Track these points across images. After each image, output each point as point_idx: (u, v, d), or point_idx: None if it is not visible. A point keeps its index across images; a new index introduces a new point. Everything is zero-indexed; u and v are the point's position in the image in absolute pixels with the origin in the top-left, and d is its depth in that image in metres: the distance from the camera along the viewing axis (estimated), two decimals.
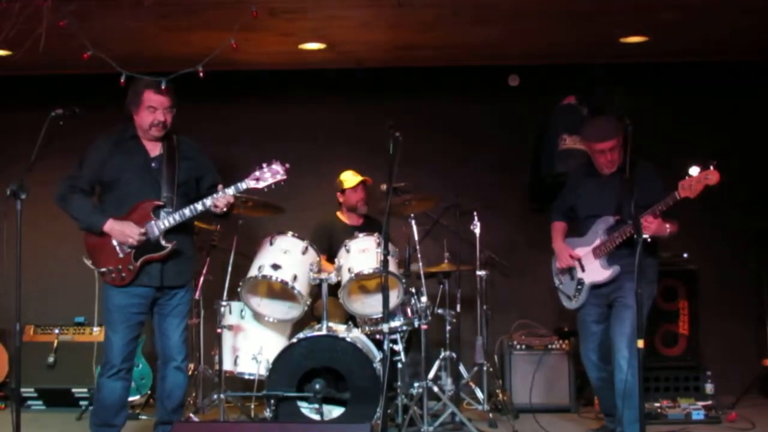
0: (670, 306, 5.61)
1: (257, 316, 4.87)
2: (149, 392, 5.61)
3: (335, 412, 4.59)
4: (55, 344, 5.77)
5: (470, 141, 6.36)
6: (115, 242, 3.99)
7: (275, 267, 4.64)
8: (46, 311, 5.98)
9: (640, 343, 3.63)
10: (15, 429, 3.58)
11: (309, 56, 5.98)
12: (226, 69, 5.94)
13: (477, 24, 5.36)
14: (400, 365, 4.78)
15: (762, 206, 6.12)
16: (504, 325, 5.94)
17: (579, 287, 4.54)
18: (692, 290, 5.64)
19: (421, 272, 4.99)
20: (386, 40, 5.71)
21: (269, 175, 4.09)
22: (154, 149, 4.13)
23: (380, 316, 4.43)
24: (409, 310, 4.85)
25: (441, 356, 5.29)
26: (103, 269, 4.00)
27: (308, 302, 4.75)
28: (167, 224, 4.00)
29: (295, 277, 4.64)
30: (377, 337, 4.84)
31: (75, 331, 5.84)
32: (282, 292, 4.82)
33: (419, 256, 4.93)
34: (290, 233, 4.81)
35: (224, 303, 4.90)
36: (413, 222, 4.98)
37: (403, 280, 4.72)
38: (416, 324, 4.83)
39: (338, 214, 5.67)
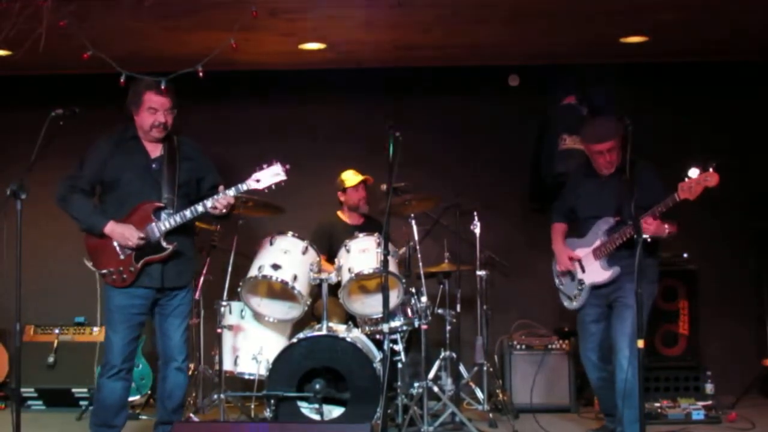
0: (670, 306, 5.61)
1: (257, 316, 4.87)
2: (149, 392, 5.61)
3: (335, 412, 4.59)
4: (55, 344, 5.77)
5: (470, 141, 6.36)
6: (115, 244, 3.99)
7: (275, 267, 4.64)
8: (46, 311, 5.98)
9: (640, 343, 3.63)
10: (15, 429, 3.58)
11: (309, 56, 5.98)
12: (226, 69, 5.93)
13: (477, 24, 5.36)
14: (400, 365, 4.78)
15: (762, 206, 6.12)
16: (504, 325, 5.94)
17: (580, 288, 4.55)
18: (692, 290, 5.64)
19: (421, 272, 4.99)
20: (386, 40, 5.70)
21: (269, 176, 4.09)
22: (155, 150, 4.13)
23: (380, 316, 4.43)
24: (409, 310, 4.85)
25: (441, 356, 5.29)
26: (104, 271, 4.00)
27: (308, 302, 4.75)
28: (168, 226, 4.00)
29: (295, 277, 4.64)
30: (377, 337, 4.84)
31: (75, 331, 5.84)
32: (282, 292, 4.82)
33: (419, 256, 4.93)
34: (290, 233, 4.81)
35: (224, 303, 4.90)
36: (413, 222, 4.98)
37: (403, 280, 4.72)
38: (416, 324, 4.83)
39: (339, 213, 5.67)
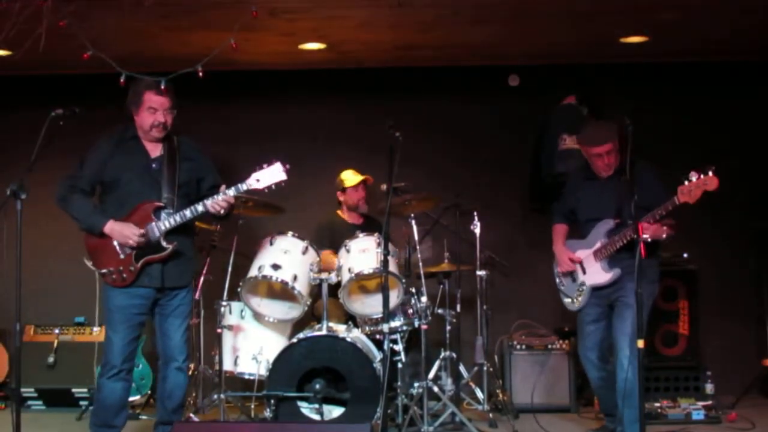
0: (670, 306, 5.61)
1: (257, 316, 4.87)
2: (149, 392, 5.61)
3: (335, 412, 4.59)
4: (55, 344, 5.77)
5: (470, 141, 6.36)
6: (115, 243, 3.98)
7: (275, 267, 4.64)
8: (46, 311, 5.98)
9: (641, 343, 3.64)
10: (15, 429, 3.57)
11: (309, 56, 5.98)
12: (226, 69, 5.93)
13: (477, 24, 5.36)
14: (400, 365, 4.78)
15: (762, 206, 6.12)
16: (504, 325, 5.94)
17: (580, 289, 4.54)
18: (692, 290, 5.64)
19: (421, 272, 4.99)
20: (386, 40, 5.70)
21: (270, 176, 4.09)
22: (155, 150, 4.12)
23: (380, 316, 4.43)
24: (409, 310, 4.85)
25: (441, 356, 5.29)
26: (104, 270, 4.00)
27: (308, 302, 4.75)
28: (168, 225, 4.00)
29: (295, 277, 4.64)
30: (377, 337, 4.84)
31: (75, 331, 5.84)
32: (282, 292, 4.82)
33: (419, 256, 4.94)
34: (290, 233, 4.81)
35: (224, 303, 4.90)
36: (413, 222, 4.98)
37: (403, 280, 4.72)
38: (416, 324, 4.83)
39: (339, 212, 5.67)
